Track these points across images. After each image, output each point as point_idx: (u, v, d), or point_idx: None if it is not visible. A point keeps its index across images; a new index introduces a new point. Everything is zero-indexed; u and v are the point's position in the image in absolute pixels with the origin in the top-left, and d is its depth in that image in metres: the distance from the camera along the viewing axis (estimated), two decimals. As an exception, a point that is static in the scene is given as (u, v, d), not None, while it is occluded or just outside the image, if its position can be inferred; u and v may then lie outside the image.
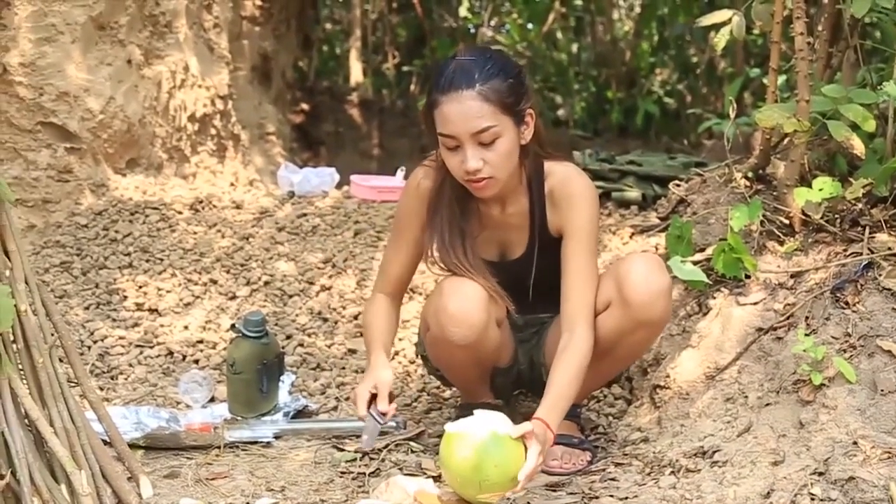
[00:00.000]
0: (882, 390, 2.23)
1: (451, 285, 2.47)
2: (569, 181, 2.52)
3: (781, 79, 3.55)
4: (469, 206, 2.56)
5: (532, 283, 2.58)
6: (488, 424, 2.18)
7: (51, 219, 4.21)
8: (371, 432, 2.44)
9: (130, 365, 3.30)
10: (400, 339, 3.36)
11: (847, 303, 2.44)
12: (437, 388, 3.11)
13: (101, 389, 3.10)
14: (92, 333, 3.46)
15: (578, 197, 2.50)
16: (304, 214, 4.25)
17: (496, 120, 2.34)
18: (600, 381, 2.74)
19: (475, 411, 2.24)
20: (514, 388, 2.83)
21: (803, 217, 2.74)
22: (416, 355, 3.08)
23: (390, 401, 2.45)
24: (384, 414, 2.43)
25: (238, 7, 6.83)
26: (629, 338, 2.47)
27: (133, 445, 2.50)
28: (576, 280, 2.45)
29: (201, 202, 4.33)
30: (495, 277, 2.54)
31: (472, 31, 10.76)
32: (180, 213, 4.23)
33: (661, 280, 2.42)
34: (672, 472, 2.31)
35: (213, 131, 5.38)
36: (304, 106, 8.84)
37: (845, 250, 2.61)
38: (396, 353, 3.34)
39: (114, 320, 3.56)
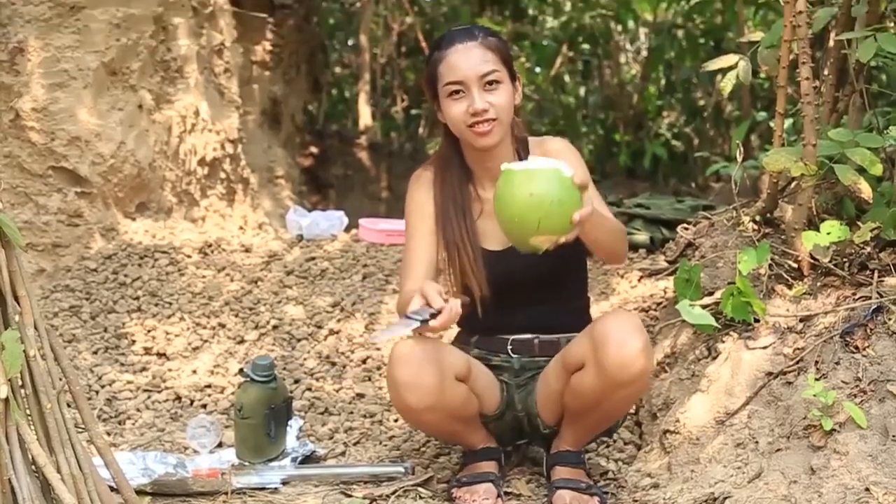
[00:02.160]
0: (893, 436, 2.21)
1: (399, 352, 2.45)
2: (546, 142, 2.70)
3: (788, 122, 3.56)
4: (468, 194, 2.66)
5: (528, 264, 2.53)
6: (552, 164, 2.23)
7: (60, 263, 4.22)
8: (394, 330, 2.39)
9: (138, 410, 3.29)
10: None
11: (857, 347, 2.43)
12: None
13: (109, 434, 3.10)
14: (100, 378, 3.46)
15: (562, 147, 2.66)
16: (313, 258, 4.26)
17: (498, 67, 2.55)
18: (594, 433, 2.71)
19: (531, 157, 2.42)
20: (516, 436, 2.79)
21: (812, 261, 2.74)
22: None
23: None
24: (434, 314, 2.29)
25: (248, 52, 6.90)
26: (611, 397, 2.47)
27: (140, 492, 2.49)
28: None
29: (210, 246, 4.34)
30: (497, 265, 2.58)
31: (481, 74, 10.80)
32: (189, 256, 4.24)
33: (636, 342, 2.39)
34: (682, 518, 2.29)
35: (222, 175, 5.41)
36: (314, 149, 8.89)
37: (854, 294, 2.60)
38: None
39: (122, 364, 3.56)
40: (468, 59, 2.53)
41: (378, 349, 3.62)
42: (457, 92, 2.54)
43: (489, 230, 2.61)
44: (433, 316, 2.29)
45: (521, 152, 2.65)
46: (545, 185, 2.18)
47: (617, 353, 2.38)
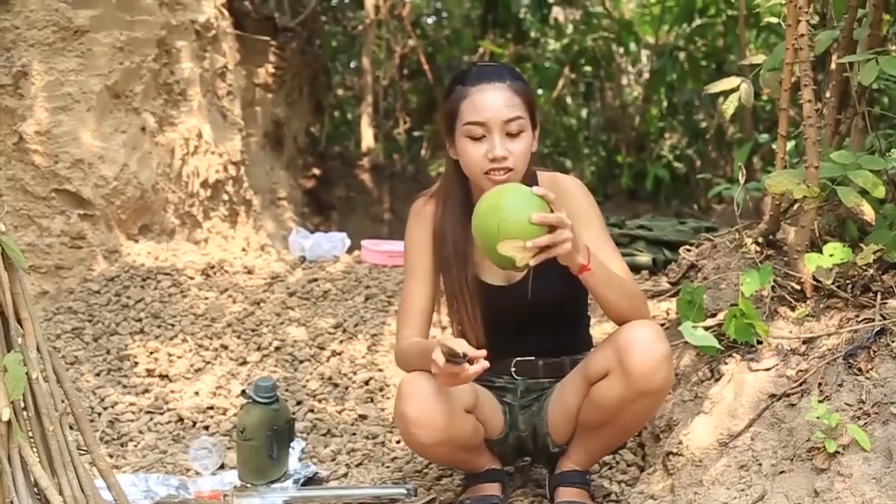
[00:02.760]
0: (897, 458, 2.21)
1: (408, 387, 2.43)
2: (559, 180, 2.60)
3: (790, 145, 3.56)
4: (470, 235, 2.53)
5: (529, 302, 2.55)
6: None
7: (63, 285, 4.23)
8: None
9: (140, 432, 3.29)
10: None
11: (860, 369, 2.43)
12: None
13: (111, 457, 3.09)
14: (102, 400, 3.46)
15: (572, 190, 2.58)
16: (315, 279, 4.27)
17: (523, 114, 2.45)
18: (605, 450, 2.71)
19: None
20: (519, 455, 2.79)
21: (814, 283, 2.73)
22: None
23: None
24: (468, 360, 2.26)
25: (251, 75, 6.93)
26: (631, 407, 2.46)
27: (142, 514, 2.48)
28: (603, 257, 2.47)
29: (213, 267, 4.35)
30: (497, 301, 2.55)
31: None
32: (192, 278, 4.24)
33: (661, 349, 2.39)
34: (686, 541, 2.28)
35: (225, 197, 5.42)
36: (316, 171, 8.92)
37: (857, 316, 2.60)
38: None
39: (124, 386, 3.56)
40: (495, 102, 2.43)
41: (380, 370, 3.61)
42: (479, 135, 2.44)
43: (491, 265, 2.60)
44: (467, 359, 2.27)
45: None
46: (504, 194, 2.25)
47: (644, 360, 2.37)
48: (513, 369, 2.65)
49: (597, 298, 2.45)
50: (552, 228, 2.21)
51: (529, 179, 2.57)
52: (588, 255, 2.33)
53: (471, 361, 2.27)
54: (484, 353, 2.29)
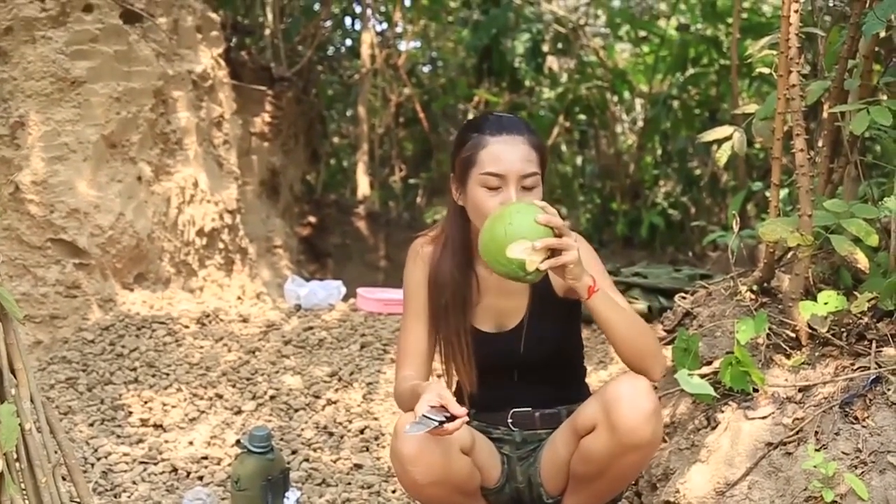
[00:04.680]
0: (895, 507, 2.19)
1: (403, 427, 2.38)
2: None
3: (784, 193, 3.59)
4: (468, 273, 2.58)
5: (522, 350, 2.55)
6: None
7: (58, 334, 4.22)
8: (418, 426, 2.26)
9: (134, 482, 3.26)
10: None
11: (856, 417, 2.42)
12: None
13: (104, 508, 3.07)
14: (96, 450, 3.43)
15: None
16: (311, 328, 4.26)
17: (538, 170, 2.45)
18: (599, 502, 2.70)
19: None
20: None
21: (810, 330, 2.74)
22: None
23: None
24: (449, 419, 2.26)
25: (247, 124, 6.97)
26: (619, 461, 2.45)
27: (135, 566, 2.46)
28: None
29: (208, 316, 4.34)
30: (488, 348, 2.55)
31: (478, 144, 10.88)
32: (187, 327, 4.24)
33: (648, 404, 2.38)
34: (684, 592, 2.26)
35: (220, 245, 5.43)
36: (312, 219, 8.94)
37: (853, 364, 2.60)
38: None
39: (118, 436, 3.54)
40: (514, 154, 2.42)
41: (376, 419, 3.60)
42: (495, 185, 2.42)
43: (485, 309, 2.60)
44: (447, 419, 2.25)
45: None
46: (508, 206, 2.31)
47: (629, 415, 2.36)
48: (509, 420, 2.64)
49: (605, 328, 2.44)
50: (559, 235, 2.25)
51: None
52: (593, 279, 2.34)
53: (452, 418, 2.25)
54: (465, 411, 2.27)
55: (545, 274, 2.41)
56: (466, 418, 2.28)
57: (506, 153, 2.42)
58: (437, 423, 2.24)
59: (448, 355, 2.60)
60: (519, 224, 2.24)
